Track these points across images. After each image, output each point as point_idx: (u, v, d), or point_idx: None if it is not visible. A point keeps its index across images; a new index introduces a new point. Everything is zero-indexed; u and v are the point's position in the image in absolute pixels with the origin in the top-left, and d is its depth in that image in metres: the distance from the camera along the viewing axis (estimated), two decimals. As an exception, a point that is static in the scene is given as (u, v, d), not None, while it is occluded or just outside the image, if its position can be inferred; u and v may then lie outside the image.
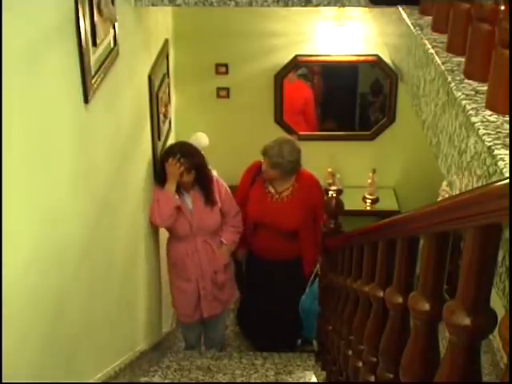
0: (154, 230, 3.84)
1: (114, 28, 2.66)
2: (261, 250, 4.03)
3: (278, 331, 4.15)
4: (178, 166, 3.56)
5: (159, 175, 3.70)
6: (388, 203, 5.11)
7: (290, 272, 3.97)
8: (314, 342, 3.86)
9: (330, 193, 4.99)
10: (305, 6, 2.99)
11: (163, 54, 4.13)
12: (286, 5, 2.99)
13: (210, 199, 3.72)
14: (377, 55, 4.80)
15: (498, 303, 1.15)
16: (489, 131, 1.30)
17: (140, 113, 3.49)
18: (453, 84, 1.59)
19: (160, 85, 3.96)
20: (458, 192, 1.46)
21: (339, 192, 5.00)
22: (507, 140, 1.25)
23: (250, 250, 4.11)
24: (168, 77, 4.38)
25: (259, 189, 3.94)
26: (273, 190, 3.91)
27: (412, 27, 2.22)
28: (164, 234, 3.97)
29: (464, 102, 1.47)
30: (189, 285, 3.85)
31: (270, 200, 3.91)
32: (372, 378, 1.91)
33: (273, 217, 3.89)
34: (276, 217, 3.88)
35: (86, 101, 2.22)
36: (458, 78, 1.63)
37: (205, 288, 3.84)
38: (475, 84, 1.57)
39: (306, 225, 3.86)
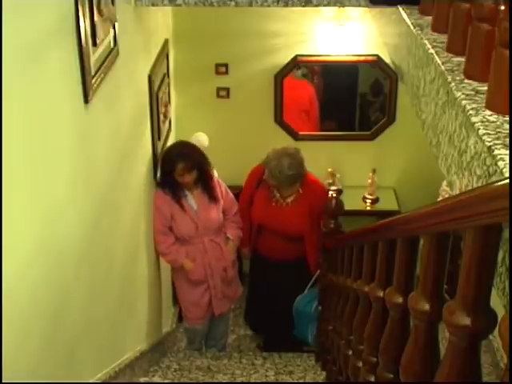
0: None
1: (114, 28, 2.66)
2: (266, 251, 4.05)
3: (284, 330, 4.15)
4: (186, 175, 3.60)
5: (166, 178, 3.68)
6: (388, 203, 5.10)
7: (295, 272, 3.97)
8: (310, 340, 3.85)
9: (330, 193, 4.98)
10: (305, 5, 2.99)
11: (163, 54, 4.13)
12: (286, 5, 2.99)
13: (213, 196, 3.75)
14: (377, 55, 4.79)
15: (498, 303, 1.15)
16: (489, 131, 1.30)
17: (140, 113, 3.49)
18: (453, 84, 1.59)
19: (160, 85, 3.96)
20: (458, 192, 1.45)
21: (339, 192, 5.00)
22: (507, 140, 1.25)
23: (255, 249, 4.12)
24: (168, 77, 4.38)
25: (264, 192, 3.95)
26: (278, 195, 3.92)
27: (412, 27, 2.21)
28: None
29: (464, 102, 1.47)
30: (199, 287, 3.88)
31: (274, 205, 3.92)
32: (372, 378, 1.91)
33: (277, 221, 3.90)
34: (280, 222, 3.89)
35: (86, 101, 2.22)
36: (457, 78, 1.62)
37: (215, 287, 3.89)
38: (475, 84, 1.57)
39: (310, 229, 3.85)
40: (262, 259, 4.12)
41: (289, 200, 3.91)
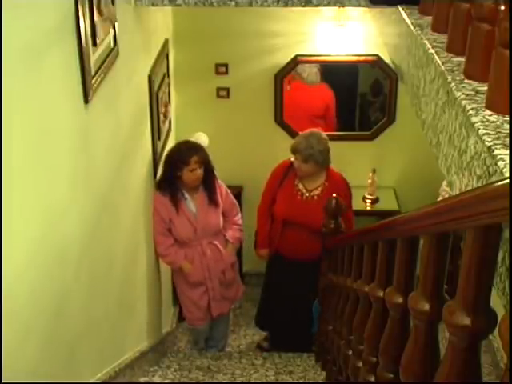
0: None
1: (114, 28, 2.66)
2: (288, 250, 4.02)
3: (300, 331, 4.13)
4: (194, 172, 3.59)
5: (166, 181, 3.67)
6: (388, 203, 5.10)
7: (316, 272, 3.95)
8: None
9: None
10: (305, 6, 2.99)
11: (163, 54, 4.13)
12: (286, 5, 2.99)
13: (213, 200, 3.74)
14: (377, 55, 4.79)
15: (498, 303, 1.15)
16: (489, 131, 1.30)
17: (140, 113, 3.49)
18: (453, 84, 1.59)
19: (160, 85, 3.96)
20: (458, 192, 1.45)
21: (339, 192, 4.99)
22: (507, 140, 1.25)
23: (276, 249, 4.10)
24: (168, 77, 4.38)
25: (289, 188, 3.97)
26: (303, 189, 3.94)
27: (412, 27, 2.22)
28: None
29: (464, 102, 1.47)
30: (198, 289, 3.87)
31: (300, 198, 3.94)
32: (372, 378, 1.91)
33: (304, 215, 3.90)
34: (307, 215, 3.88)
35: (86, 101, 2.22)
36: (457, 78, 1.62)
37: (213, 289, 3.88)
38: (475, 84, 1.57)
39: None
40: (281, 260, 4.08)
41: (314, 193, 3.93)
